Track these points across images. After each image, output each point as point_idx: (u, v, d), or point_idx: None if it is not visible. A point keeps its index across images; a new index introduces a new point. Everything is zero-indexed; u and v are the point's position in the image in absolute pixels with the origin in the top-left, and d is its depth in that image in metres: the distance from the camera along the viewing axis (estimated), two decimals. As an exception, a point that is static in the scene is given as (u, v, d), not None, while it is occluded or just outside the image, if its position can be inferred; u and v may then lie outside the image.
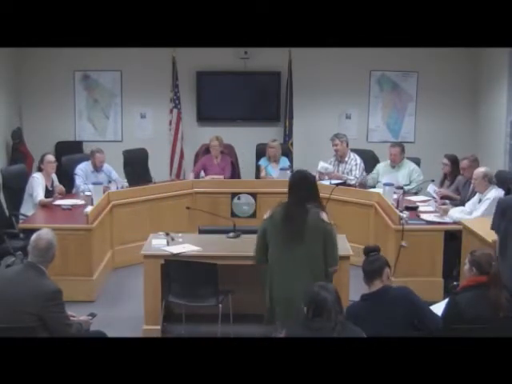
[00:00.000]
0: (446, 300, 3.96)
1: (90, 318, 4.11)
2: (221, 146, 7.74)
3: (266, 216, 4.23)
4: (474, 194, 5.93)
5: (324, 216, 4.05)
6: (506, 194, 5.77)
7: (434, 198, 6.52)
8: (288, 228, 4.02)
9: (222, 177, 7.60)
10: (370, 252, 3.83)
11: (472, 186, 6.03)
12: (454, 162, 6.71)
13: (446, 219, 5.77)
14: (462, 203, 6.08)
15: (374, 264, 3.75)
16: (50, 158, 6.77)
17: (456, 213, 5.75)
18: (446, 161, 6.77)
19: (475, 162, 6.32)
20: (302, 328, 3.19)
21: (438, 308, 3.93)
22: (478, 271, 3.71)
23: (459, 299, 3.69)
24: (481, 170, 5.78)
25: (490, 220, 4.76)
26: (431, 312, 3.74)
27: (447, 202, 6.30)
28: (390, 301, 3.64)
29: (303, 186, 4.20)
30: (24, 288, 3.63)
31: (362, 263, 3.85)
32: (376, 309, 3.61)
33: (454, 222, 5.67)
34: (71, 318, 3.85)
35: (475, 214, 5.61)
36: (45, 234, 3.85)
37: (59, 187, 6.86)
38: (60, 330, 3.64)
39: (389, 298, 3.66)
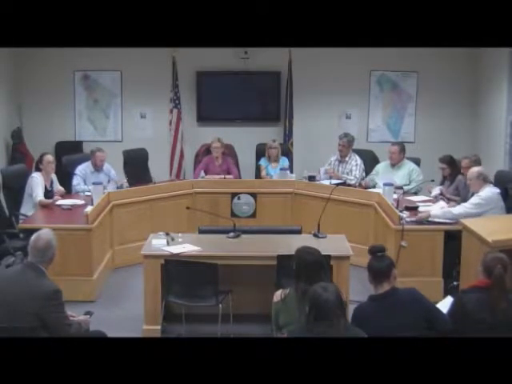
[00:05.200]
0: (449, 298, 3.96)
1: (88, 316, 4.11)
2: (222, 148, 7.75)
3: (275, 299, 3.89)
4: (473, 194, 5.94)
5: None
6: (505, 194, 5.77)
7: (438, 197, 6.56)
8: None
9: (231, 176, 7.60)
10: (377, 252, 3.77)
11: (472, 186, 6.04)
12: (451, 163, 6.69)
13: (437, 219, 5.77)
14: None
15: (382, 264, 3.69)
16: (50, 158, 6.76)
17: (438, 211, 5.76)
18: (442, 165, 6.73)
19: (475, 163, 6.30)
20: (304, 332, 3.17)
21: (439, 307, 3.93)
22: (486, 274, 3.70)
23: (466, 299, 3.67)
24: (475, 169, 5.79)
25: (492, 220, 4.74)
26: (441, 313, 3.71)
27: (455, 201, 6.29)
28: (400, 302, 3.61)
29: (313, 266, 3.85)
30: (23, 288, 3.63)
31: (367, 263, 3.80)
32: (386, 310, 3.58)
33: (454, 222, 5.66)
34: (71, 318, 3.85)
35: (464, 203, 5.66)
36: (44, 234, 3.85)
37: (59, 189, 6.84)
38: (59, 330, 3.64)
39: (398, 300, 3.62)
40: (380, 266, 3.69)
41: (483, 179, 5.70)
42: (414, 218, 5.83)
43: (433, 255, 5.71)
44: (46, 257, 3.78)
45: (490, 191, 5.62)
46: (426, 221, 5.84)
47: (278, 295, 3.87)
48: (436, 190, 6.76)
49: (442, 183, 6.90)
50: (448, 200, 6.39)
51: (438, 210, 5.85)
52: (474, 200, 5.62)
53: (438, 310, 3.72)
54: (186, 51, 8.21)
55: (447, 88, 8.85)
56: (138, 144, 8.33)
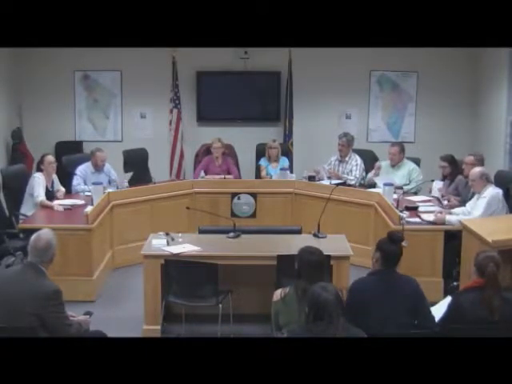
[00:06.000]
0: (448, 299, 3.97)
1: (88, 316, 4.10)
2: (223, 148, 7.75)
3: (275, 298, 3.91)
4: (473, 194, 5.94)
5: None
6: (506, 194, 5.77)
7: (436, 197, 6.54)
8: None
9: (231, 176, 7.60)
10: (397, 241, 3.85)
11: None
12: (452, 162, 6.68)
13: (447, 223, 5.75)
14: (463, 203, 6.06)
15: (397, 250, 3.80)
16: (51, 158, 6.76)
17: (453, 217, 5.74)
18: (443, 163, 6.70)
19: (479, 162, 6.27)
20: (304, 331, 3.18)
21: (439, 306, 3.94)
22: (480, 273, 3.71)
23: (462, 300, 3.69)
24: (477, 169, 5.78)
25: (492, 220, 4.74)
26: (430, 311, 3.77)
27: (456, 200, 6.29)
28: (397, 281, 3.72)
29: (315, 266, 3.87)
30: (23, 288, 3.63)
31: (381, 244, 3.86)
32: (382, 285, 3.68)
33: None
34: (71, 318, 3.85)
35: (475, 212, 5.61)
36: (44, 234, 3.85)
37: (61, 191, 6.84)
38: (60, 330, 3.64)
39: (396, 278, 3.74)
40: (395, 252, 3.79)
41: (486, 179, 5.70)
42: (431, 219, 5.80)
43: (433, 255, 5.71)
44: (46, 257, 3.78)
45: (493, 191, 5.62)
46: (425, 221, 5.84)
47: (277, 294, 3.89)
48: (438, 184, 6.71)
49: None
50: (448, 201, 6.37)
51: (454, 217, 5.77)
52: (481, 204, 5.59)
53: (428, 307, 3.77)
54: (185, 51, 8.20)
55: (447, 88, 8.85)
56: (137, 144, 8.32)
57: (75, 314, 4.02)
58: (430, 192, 6.85)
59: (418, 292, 3.75)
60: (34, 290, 3.62)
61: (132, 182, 7.19)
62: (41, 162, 6.77)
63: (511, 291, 3.83)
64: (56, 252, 3.87)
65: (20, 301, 3.58)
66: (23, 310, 3.56)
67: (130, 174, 7.16)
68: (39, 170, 6.80)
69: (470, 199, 5.96)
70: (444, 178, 6.82)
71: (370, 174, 7.31)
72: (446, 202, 6.31)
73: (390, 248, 3.80)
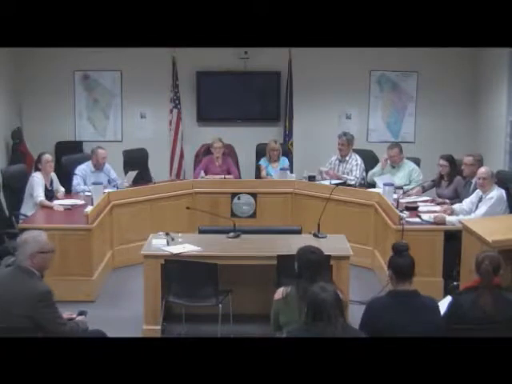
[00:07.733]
0: (448, 298, 3.97)
1: (83, 316, 4.05)
2: (223, 148, 7.76)
3: (277, 297, 3.90)
4: (472, 193, 5.94)
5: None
6: (506, 194, 5.77)
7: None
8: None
9: (231, 176, 7.60)
10: (403, 251, 3.69)
11: (473, 185, 6.03)
12: (452, 162, 6.68)
13: (448, 223, 5.75)
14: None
15: (406, 262, 3.63)
16: (48, 157, 6.75)
17: (454, 217, 5.74)
18: (443, 162, 6.68)
19: (478, 162, 6.27)
20: (303, 332, 3.17)
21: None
22: (477, 272, 3.72)
23: (462, 300, 3.68)
24: (487, 168, 5.77)
25: (492, 220, 4.75)
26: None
27: (447, 201, 6.30)
28: (418, 307, 3.56)
29: (315, 266, 3.85)
30: (13, 290, 3.60)
31: (390, 260, 3.72)
32: (403, 309, 3.53)
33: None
34: (70, 319, 3.84)
35: (478, 212, 5.61)
36: (26, 233, 3.83)
37: (60, 192, 6.83)
38: (54, 330, 3.60)
39: (417, 304, 3.57)
40: (404, 264, 3.63)
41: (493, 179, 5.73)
42: (431, 219, 5.80)
43: (433, 255, 5.71)
44: (24, 255, 3.70)
45: (498, 192, 5.64)
46: (425, 221, 5.84)
47: (279, 293, 3.87)
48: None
49: (438, 183, 6.84)
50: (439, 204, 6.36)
51: (454, 217, 5.75)
52: (488, 204, 5.59)
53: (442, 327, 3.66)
54: (186, 51, 8.21)
55: (447, 88, 8.86)
56: (138, 144, 8.33)
57: (74, 315, 4.00)
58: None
59: (439, 317, 3.60)
60: (24, 292, 3.58)
61: (132, 182, 7.19)
62: (38, 161, 6.77)
63: (511, 291, 3.82)
64: (38, 251, 3.75)
65: (11, 303, 3.54)
66: (15, 312, 3.53)
67: (134, 173, 7.15)
68: (37, 169, 6.79)
69: (469, 197, 5.96)
70: (441, 179, 6.79)
71: (377, 168, 7.30)
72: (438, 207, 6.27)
73: (399, 261, 3.65)
